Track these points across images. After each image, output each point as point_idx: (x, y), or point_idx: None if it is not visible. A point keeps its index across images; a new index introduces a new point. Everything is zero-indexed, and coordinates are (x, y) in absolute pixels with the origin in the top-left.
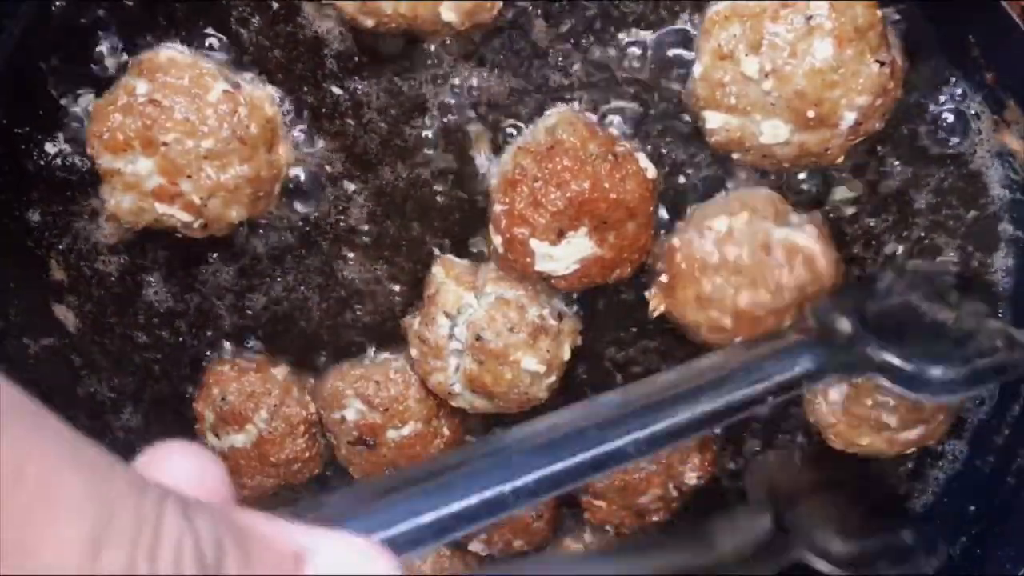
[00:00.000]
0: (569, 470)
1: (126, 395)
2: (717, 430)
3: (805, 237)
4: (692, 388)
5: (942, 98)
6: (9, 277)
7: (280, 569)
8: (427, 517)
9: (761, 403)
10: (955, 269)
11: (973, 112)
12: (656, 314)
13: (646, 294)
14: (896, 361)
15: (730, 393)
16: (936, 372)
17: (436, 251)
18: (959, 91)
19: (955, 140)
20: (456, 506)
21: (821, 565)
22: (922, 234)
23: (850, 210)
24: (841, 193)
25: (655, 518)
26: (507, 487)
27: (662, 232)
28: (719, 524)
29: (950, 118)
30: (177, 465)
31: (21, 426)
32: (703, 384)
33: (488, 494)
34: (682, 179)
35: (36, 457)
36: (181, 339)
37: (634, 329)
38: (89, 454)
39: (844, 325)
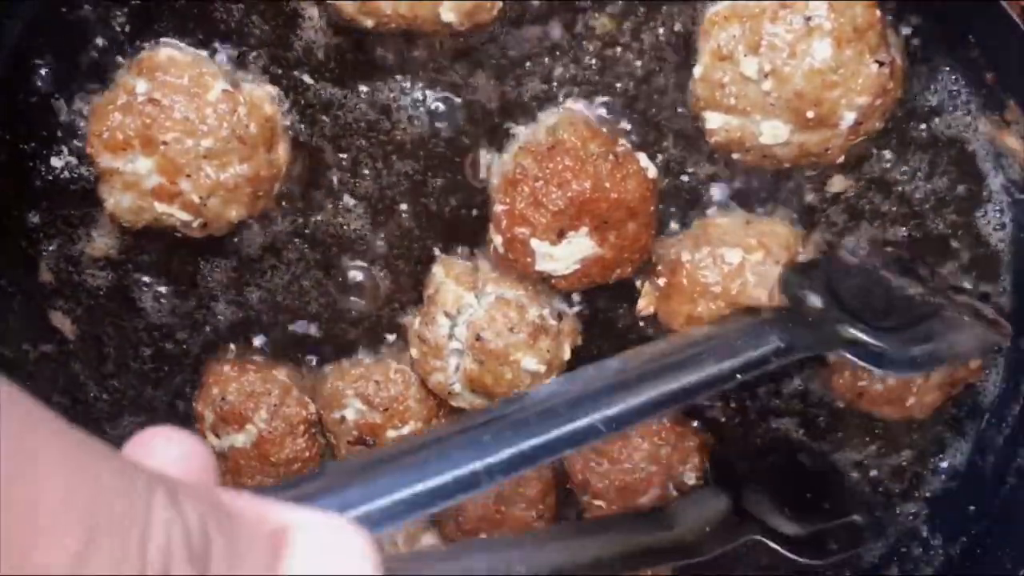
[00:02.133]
0: (540, 446)
1: (125, 399)
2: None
3: None
4: (660, 366)
5: (942, 98)
6: (3, 278)
7: (262, 551)
8: (401, 494)
9: (730, 380)
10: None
11: (973, 112)
12: (643, 314)
13: (637, 283)
14: (864, 338)
15: (697, 372)
16: (903, 352)
17: (436, 251)
18: (959, 91)
19: (954, 140)
20: (430, 483)
21: (774, 545)
22: (920, 234)
23: (847, 208)
24: (838, 185)
25: None
26: (480, 464)
27: (666, 230)
28: (680, 504)
29: (949, 118)
30: (164, 449)
31: (13, 419)
32: (671, 363)
33: (461, 472)
34: (684, 180)
35: (28, 450)
36: (180, 340)
37: (634, 329)
38: (78, 444)
39: (814, 300)
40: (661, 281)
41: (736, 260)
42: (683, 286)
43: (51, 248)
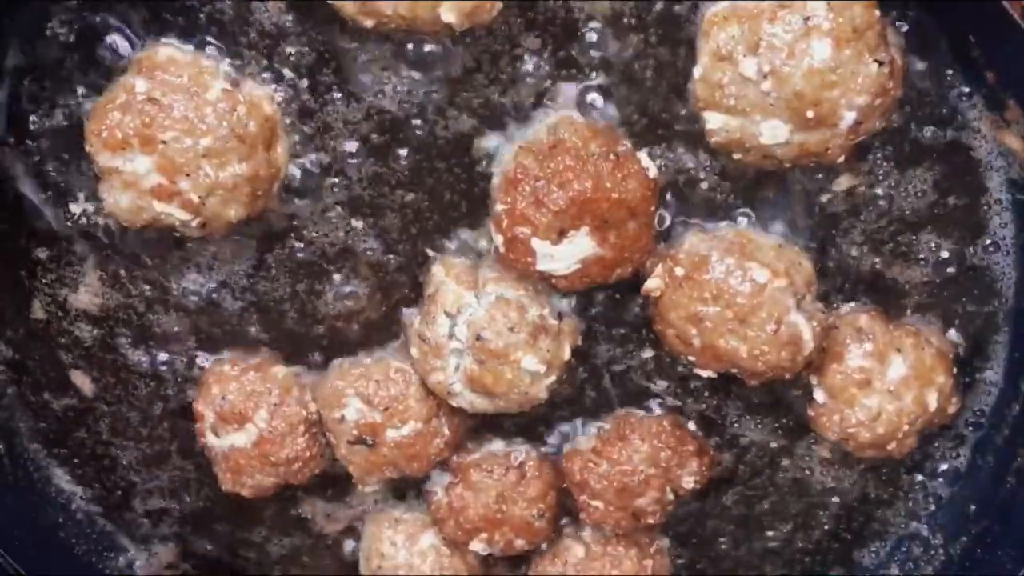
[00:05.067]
0: None
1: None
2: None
3: (809, 332)
4: None
5: (942, 97)
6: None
7: None
8: None
9: None
10: None
11: (973, 112)
12: (646, 290)
13: (647, 265)
14: None
15: None
16: None
17: (436, 251)
18: (959, 91)
19: (955, 139)
20: None
21: None
22: (920, 233)
23: (848, 206)
24: (845, 182)
25: (651, 520)
26: None
27: (687, 225)
28: None
29: (950, 117)
30: None
31: None
32: None
33: None
34: (684, 180)
35: None
36: (180, 338)
37: (634, 329)
38: None
39: None
40: (679, 271)
41: (763, 279)
42: (702, 283)
43: (50, 279)
